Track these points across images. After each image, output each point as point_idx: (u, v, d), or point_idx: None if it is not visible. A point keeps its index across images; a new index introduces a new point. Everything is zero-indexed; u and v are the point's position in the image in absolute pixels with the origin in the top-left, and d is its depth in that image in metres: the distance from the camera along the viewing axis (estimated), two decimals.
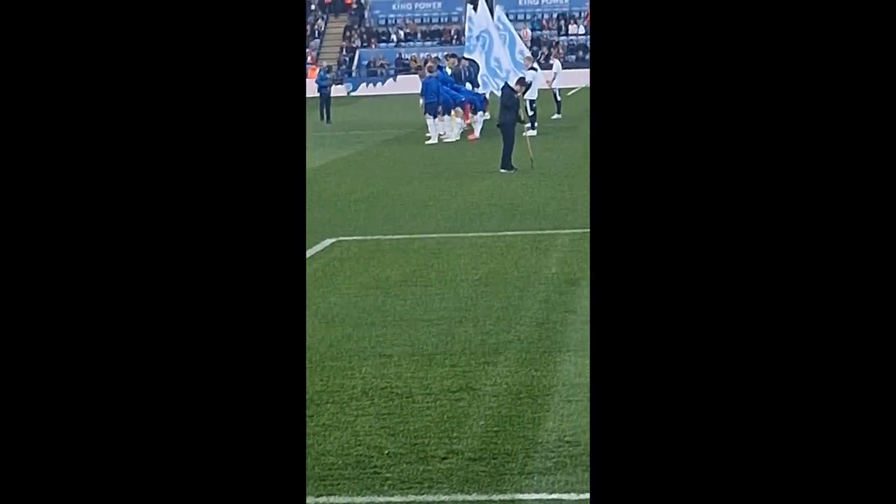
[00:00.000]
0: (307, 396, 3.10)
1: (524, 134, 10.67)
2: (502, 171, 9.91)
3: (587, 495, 2.22)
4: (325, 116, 18.55)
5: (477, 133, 13.83)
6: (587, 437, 2.44)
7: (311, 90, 15.93)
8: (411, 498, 2.86)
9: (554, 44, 25.37)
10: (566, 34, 28.32)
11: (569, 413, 3.52)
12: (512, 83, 11.27)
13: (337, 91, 22.45)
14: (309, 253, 6.79)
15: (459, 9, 20.46)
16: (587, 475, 2.34)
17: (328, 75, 20.65)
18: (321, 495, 2.87)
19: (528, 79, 12.33)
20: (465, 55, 14.76)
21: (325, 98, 18.92)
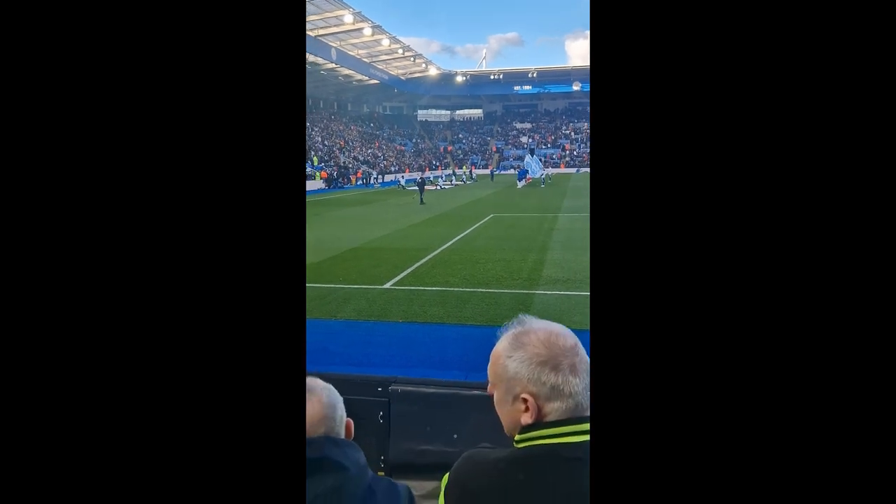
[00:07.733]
0: None
1: (541, 185, 38.26)
2: (542, 186, 38.00)
3: None
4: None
5: (526, 184, 41.28)
6: None
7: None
8: None
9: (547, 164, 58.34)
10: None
11: None
12: (537, 173, 40.80)
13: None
14: (485, 220, 19.22)
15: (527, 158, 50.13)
16: None
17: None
18: None
19: (545, 172, 41.94)
20: (525, 164, 43.99)
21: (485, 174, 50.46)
